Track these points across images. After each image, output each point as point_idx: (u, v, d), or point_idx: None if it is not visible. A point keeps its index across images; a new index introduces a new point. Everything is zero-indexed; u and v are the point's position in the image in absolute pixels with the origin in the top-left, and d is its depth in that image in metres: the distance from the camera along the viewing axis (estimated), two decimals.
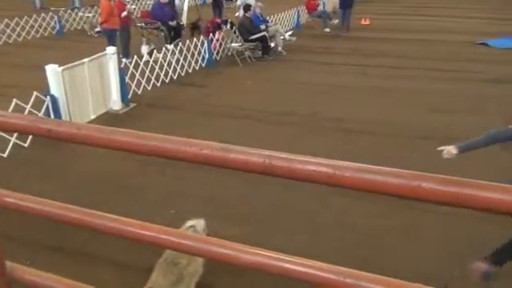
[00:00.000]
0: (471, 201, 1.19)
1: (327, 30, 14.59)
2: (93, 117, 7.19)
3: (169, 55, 9.42)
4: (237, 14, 13.63)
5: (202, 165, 1.69)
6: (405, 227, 4.32)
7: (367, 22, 15.92)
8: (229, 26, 11.67)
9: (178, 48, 9.73)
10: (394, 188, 1.18)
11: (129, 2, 12.24)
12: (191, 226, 3.34)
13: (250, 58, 10.85)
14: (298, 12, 15.41)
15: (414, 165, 4.55)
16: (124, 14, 10.16)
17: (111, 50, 7.50)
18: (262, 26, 11.15)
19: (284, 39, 12.05)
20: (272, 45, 11.35)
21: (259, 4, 11.95)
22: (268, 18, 12.43)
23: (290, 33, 13.28)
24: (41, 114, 6.24)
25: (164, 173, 5.38)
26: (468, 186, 1.14)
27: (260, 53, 11.19)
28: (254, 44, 11.01)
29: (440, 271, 3.68)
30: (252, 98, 8.38)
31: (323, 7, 15.34)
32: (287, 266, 1.55)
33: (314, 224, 4.38)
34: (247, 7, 11.24)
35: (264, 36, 10.99)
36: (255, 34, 10.94)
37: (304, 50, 12.12)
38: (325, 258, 1.47)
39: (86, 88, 7.06)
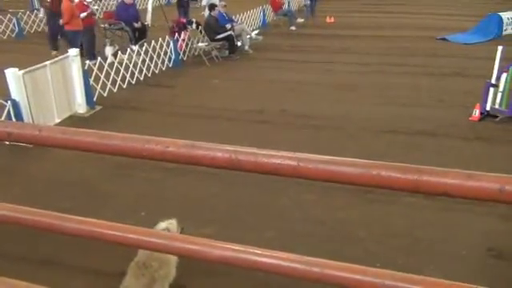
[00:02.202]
0: (428, 187, 1.24)
1: (293, 28, 14.71)
2: (57, 121, 7.02)
3: (134, 56, 9.29)
4: (202, 14, 13.58)
5: (170, 163, 1.69)
6: (373, 219, 4.43)
7: (332, 20, 16.15)
8: (194, 25, 11.60)
9: (144, 49, 9.61)
10: (356, 177, 1.21)
11: (91, 2, 11.97)
12: (165, 229, 3.29)
13: (217, 57, 10.82)
14: (264, 11, 15.48)
15: (380, 157, 4.68)
16: (83, 14, 9.94)
17: (74, 52, 7.34)
18: (228, 26, 11.15)
19: (250, 38, 12.08)
20: (239, 44, 11.37)
21: (222, 3, 11.94)
22: (234, 17, 12.44)
23: (256, 32, 13.32)
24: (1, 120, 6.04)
25: (132, 175, 5.32)
26: (425, 172, 1.19)
27: (227, 52, 11.19)
28: (220, 43, 11.00)
29: (410, 261, 3.79)
30: (220, 97, 8.38)
31: (288, 6, 15.46)
32: (256, 258, 1.57)
33: (284, 220, 4.43)
34: (212, 6, 11.22)
35: (230, 35, 10.99)
36: (221, 33, 10.93)
37: (271, 48, 12.19)
38: (296, 253, 1.49)
39: (49, 91, 6.88)
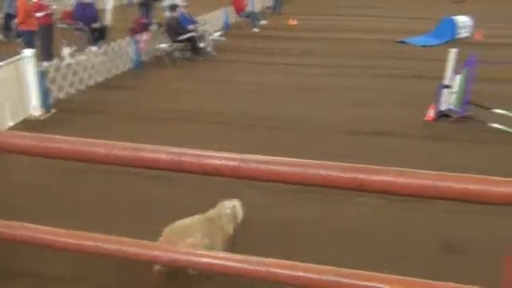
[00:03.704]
0: (368, 185, 1.27)
1: (256, 29, 14.78)
2: (10, 124, 6.76)
3: (93, 57, 9.08)
4: (165, 14, 13.41)
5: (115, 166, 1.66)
6: (326, 219, 4.48)
7: (295, 22, 16.32)
8: (156, 26, 11.46)
9: (103, 50, 9.40)
10: (296, 176, 1.23)
11: (50, 1, 11.60)
12: (233, 206, 3.67)
13: (179, 58, 10.73)
14: (227, 12, 15.47)
15: (341, 158, 4.76)
16: (39, 14, 9.62)
17: (29, 52, 7.10)
18: (190, 27, 11.08)
19: (213, 39, 12.04)
20: (201, 45, 11.30)
21: (184, 4, 11.85)
22: (196, 18, 12.36)
23: (219, 33, 13.30)
24: None
25: (86, 180, 5.18)
26: (363, 171, 1.22)
27: (189, 53, 11.11)
28: (182, 44, 10.91)
29: (363, 260, 3.86)
30: (182, 98, 8.31)
31: (251, 7, 15.52)
32: (209, 260, 1.56)
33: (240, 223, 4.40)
34: (173, 7, 11.11)
35: (192, 36, 10.92)
36: (183, 34, 10.84)
37: (233, 49, 12.19)
38: (252, 255, 1.50)
39: (2, 93, 6.63)
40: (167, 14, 12.35)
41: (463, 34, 13.63)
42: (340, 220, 4.46)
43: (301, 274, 1.34)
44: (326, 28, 15.70)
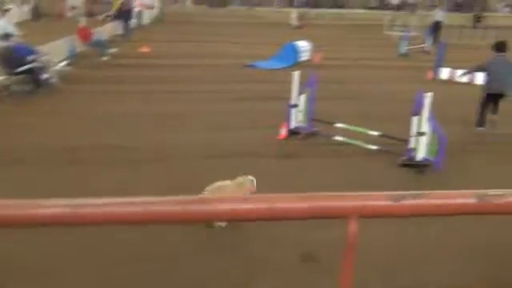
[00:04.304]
0: (203, 215, 1.25)
1: (105, 58, 14.20)
2: None
3: None
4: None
5: None
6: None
7: (147, 50, 16.13)
8: None
9: None
10: (134, 216, 1.15)
11: None
12: (251, 180, 4.86)
13: (18, 92, 9.70)
14: (72, 41, 14.58)
15: (205, 182, 4.73)
16: None
17: None
18: (30, 57, 10.12)
19: (58, 70, 11.20)
20: (44, 77, 10.40)
21: (19, 33, 10.84)
22: (37, 47, 11.37)
23: (64, 63, 12.44)
24: None
25: None
26: (193, 202, 1.19)
27: (30, 86, 10.12)
28: (22, 77, 9.90)
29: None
30: (24, 136, 7.45)
31: (98, 35, 14.91)
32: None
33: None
34: (7, 36, 10.07)
35: (33, 68, 9.99)
36: (21, 65, 9.86)
37: (82, 80, 11.50)
38: None
39: None
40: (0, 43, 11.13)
41: (304, 57, 14.99)
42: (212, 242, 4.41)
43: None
44: (178, 54, 15.84)
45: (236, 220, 1.16)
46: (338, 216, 1.38)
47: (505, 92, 8.08)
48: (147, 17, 27.09)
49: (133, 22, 21.62)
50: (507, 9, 40.51)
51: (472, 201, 1.42)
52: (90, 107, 9.18)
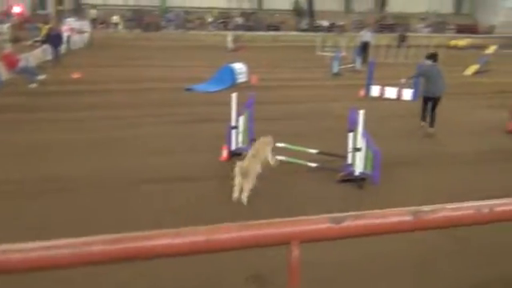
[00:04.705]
0: (145, 252, 1.16)
1: (33, 85, 13.50)
2: None
3: None
4: None
5: None
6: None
7: (79, 75, 15.55)
8: None
9: None
10: (71, 258, 1.03)
11: None
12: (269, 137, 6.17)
13: None
14: None
15: (141, 209, 4.55)
16: None
17: None
18: None
19: None
20: None
21: None
22: None
23: None
24: None
25: None
26: (126, 240, 1.10)
27: None
28: None
29: None
30: None
31: (25, 62, 14.18)
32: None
33: None
34: None
35: None
36: None
37: (7, 109, 10.82)
38: None
39: None
40: None
41: (242, 79, 15.12)
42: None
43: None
44: (113, 79, 15.42)
45: (172, 256, 1.08)
46: (280, 243, 1.34)
47: (438, 94, 9.42)
48: (78, 41, 26.23)
49: (63, 47, 20.85)
50: (427, 29, 43.62)
51: (408, 218, 1.44)
52: (15, 136, 8.61)
